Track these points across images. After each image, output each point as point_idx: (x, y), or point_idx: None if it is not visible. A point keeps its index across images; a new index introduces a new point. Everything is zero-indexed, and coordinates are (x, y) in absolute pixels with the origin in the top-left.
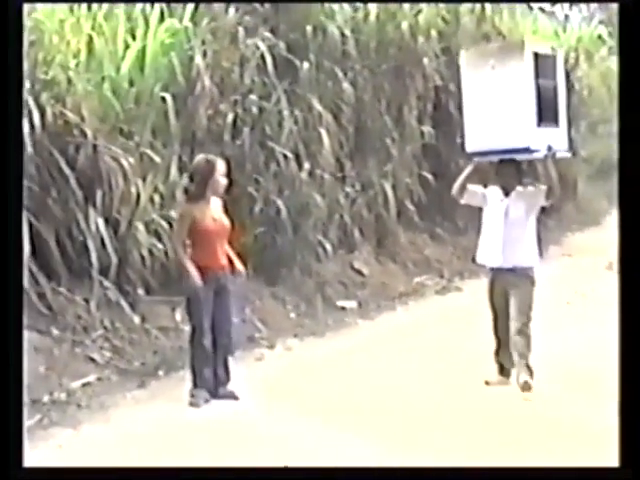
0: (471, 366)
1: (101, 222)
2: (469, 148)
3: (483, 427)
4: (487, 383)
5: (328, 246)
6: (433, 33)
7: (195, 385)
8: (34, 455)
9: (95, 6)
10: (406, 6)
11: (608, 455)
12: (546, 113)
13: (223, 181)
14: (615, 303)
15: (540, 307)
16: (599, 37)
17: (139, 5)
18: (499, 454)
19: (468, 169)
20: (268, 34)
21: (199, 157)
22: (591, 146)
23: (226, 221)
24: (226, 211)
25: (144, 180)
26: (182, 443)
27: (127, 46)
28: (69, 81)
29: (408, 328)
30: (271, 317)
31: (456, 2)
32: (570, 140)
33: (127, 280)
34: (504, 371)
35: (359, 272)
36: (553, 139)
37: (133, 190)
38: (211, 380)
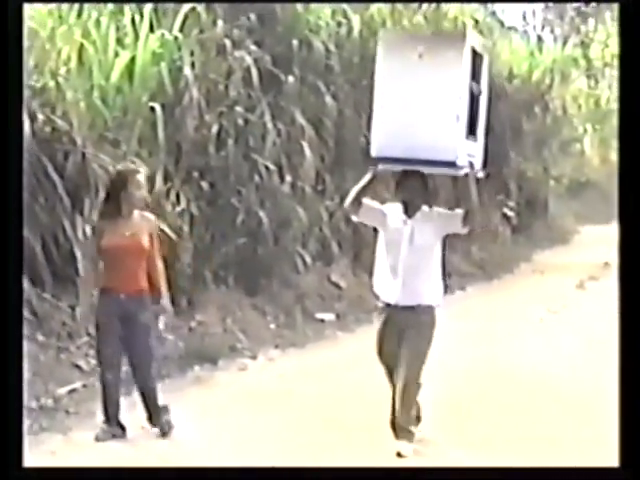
0: (448, 377)
1: (88, 229)
2: (375, 152)
3: (473, 437)
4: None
5: (307, 258)
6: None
7: (105, 419)
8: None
9: (85, 14)
10: (388, 23)
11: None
12: (472, 124)
13: (140, 194)
14: (586, 321)
15: (513, 323)
16: (574, 60)
17: (129, 14)
18: (498, 455)
19: (366, 178)
20: (254, 47)
21: (116, 168)
22: (562, 165)
23: (145, 240)
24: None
25: None
26: (173, 449)
27: (117, 55)
28: (59, 88)
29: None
30: (251, 327)
31: (457, 2)
32: (485, 158)
33: None
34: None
35: (337, 285)
36: (473, 154)
37: None
38: (117, 415)
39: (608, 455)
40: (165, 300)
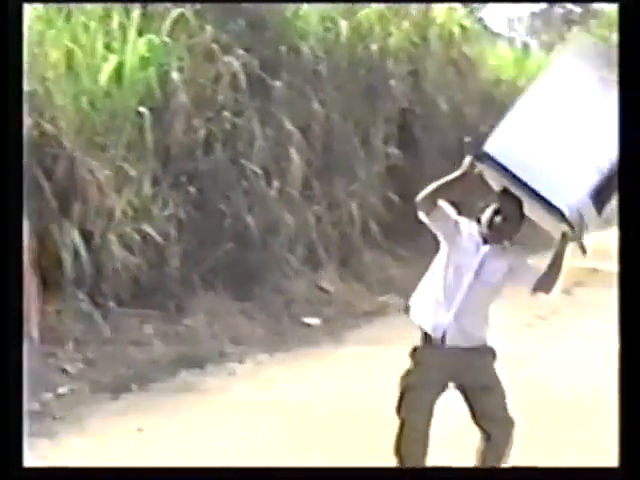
0: None
1: (76, 234)
2: (491, 148)
3: (459, 440)
4: None
5: (295, 263)
6: (402, 56)
7: None
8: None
9: (74, 18)
10: (377, 28)
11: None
12: (604, 189)
13: None
14: (574, 326)
15: (502, 329)
16: None
17: (117, 19)
18: None
19: (457, 172)
20: (242, 52)
21: None
22: None
23: None
24: None
25: (119, 193)
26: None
27: (105, 59)
28: (47, 93)
29: (373, 346)
30: (239, 332)
31: (458, 2)
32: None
33: (99, 292)
34: None
35: (324, 290)
36: (587, 221)
37: (108, 203)
38: None
39: (607, 455)
40: None
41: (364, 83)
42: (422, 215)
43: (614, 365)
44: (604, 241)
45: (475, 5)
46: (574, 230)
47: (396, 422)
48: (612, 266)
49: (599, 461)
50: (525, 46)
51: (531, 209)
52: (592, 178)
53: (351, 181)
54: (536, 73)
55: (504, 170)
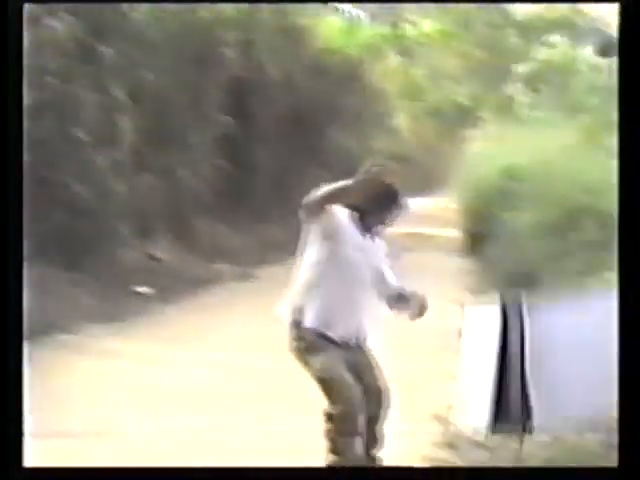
0: (268, 347)
1: None
2: None
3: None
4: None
5: (127, 233)
6: (233, 24)
7: None
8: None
9: None
10: None
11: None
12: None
13: None
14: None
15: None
16: (388, 38)
17: None
18: None
19: (355, 178)
20: (71, 17)
21: None
22: (378, 139)
23: None
24: None
25: None
26: None
27: None
28: None
29: (208, 313)
30: (71, 303)
31: (456, 2)
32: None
33: None
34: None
35: (157, 259)
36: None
37: None
38: None
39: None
40: None
41: (196, 51)
42: (305, 218)
43: (447, 319)
44: (426, 206)
45: None
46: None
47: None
48: (435, 231)
49: None
50: (355, 17)
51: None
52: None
53: (183, 149)
54: (366, 43)
55: None
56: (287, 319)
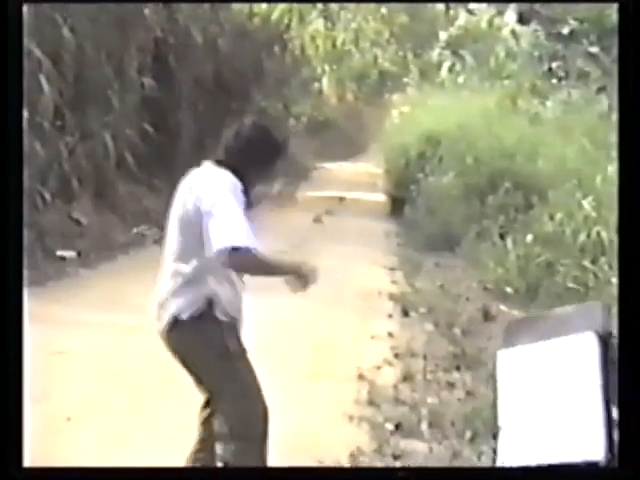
0: None
1: None
2: None
3: None
4: None
5: (47, 195)
6: None
7: None
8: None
9: None
10: None
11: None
12: None
13: None
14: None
15: None
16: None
17: None
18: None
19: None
20: None
21: None
22: (301, 104)
23: None
24: None
25: None
26: None
27: None
28: None
29: (129, 276)
30: None
31: (456, 2)
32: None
33: None
34: None
35: (78, 222)
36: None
37: None
38: None
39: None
40: None
41: (117, 11)
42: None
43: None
44: (351, 171)
45: None
46: None
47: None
48: (359, 195)
49: None
50: None
51: None
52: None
53: (105, 112)
54: (289, 6)
55: None
56: None
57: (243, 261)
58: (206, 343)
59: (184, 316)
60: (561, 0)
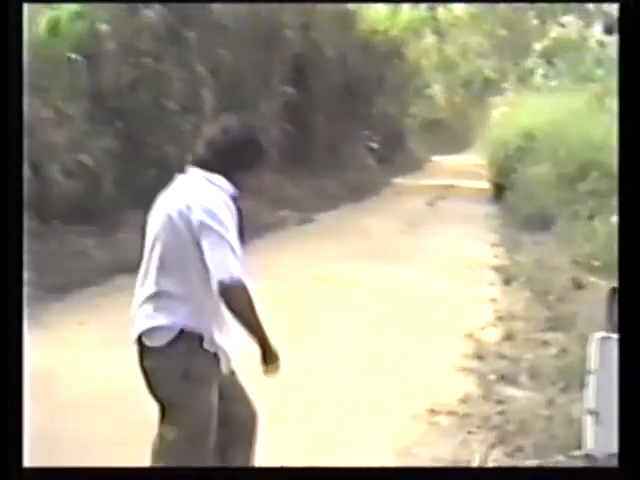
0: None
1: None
2: None
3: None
4: None
5: None
6: (294, 10)
7: None
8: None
9: None
10: None
11: None
12: None
13: None
14: (440, 230)
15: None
16: (425, 20)
17: None
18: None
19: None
20: (161, 7)
21: None
22: (416, 106)
23: None
24: None
25: (59, 129)
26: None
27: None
28: None
29: (272, 254)
30: None
31: (454, 2)
32: None
33: (46, 213)
34: None
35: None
36: None
37: (50, 137)
38: None
39: None
40: None
41: (263, 33)
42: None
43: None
44: (459, 162)
45: None
46: None
47: None
48: (466, 183)
49: None
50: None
51: None
52: None
53: (254, 115)
54: (406, 25)
55: None
56: None
57: (237, 292)
58: (172, 362)
59: (156, 343)
60: (561, 0)
